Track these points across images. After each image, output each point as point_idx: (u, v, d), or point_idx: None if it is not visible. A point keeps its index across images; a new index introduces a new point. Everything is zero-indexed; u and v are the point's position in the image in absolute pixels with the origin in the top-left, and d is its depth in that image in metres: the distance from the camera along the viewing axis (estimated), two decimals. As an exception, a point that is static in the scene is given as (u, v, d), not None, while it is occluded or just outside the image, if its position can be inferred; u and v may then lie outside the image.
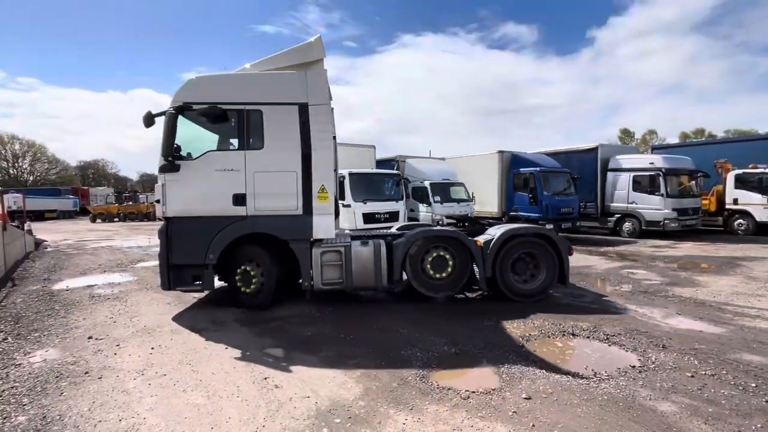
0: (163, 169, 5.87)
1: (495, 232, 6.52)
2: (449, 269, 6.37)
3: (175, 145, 5.89)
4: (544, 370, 3.97)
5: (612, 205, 15.48)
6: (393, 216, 13.25)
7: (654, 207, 14.27)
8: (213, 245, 5.89)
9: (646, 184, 14.57)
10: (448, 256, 6.37)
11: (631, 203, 14.87)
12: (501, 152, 15.45)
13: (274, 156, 6.00)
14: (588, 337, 4.87)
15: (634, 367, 4.03)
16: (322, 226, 6.11)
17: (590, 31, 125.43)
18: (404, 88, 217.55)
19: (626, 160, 15.38)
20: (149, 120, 5.91)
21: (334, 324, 5.49)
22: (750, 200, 14.57)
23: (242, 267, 6.13)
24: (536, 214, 14.15)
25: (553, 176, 14.68)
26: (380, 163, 15.44)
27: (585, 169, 15.86)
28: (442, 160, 17.26)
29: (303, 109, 6.00)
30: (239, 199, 5.94)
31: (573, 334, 4.97)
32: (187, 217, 5.91)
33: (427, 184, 14.70)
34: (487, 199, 15.58)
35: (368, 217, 12.67)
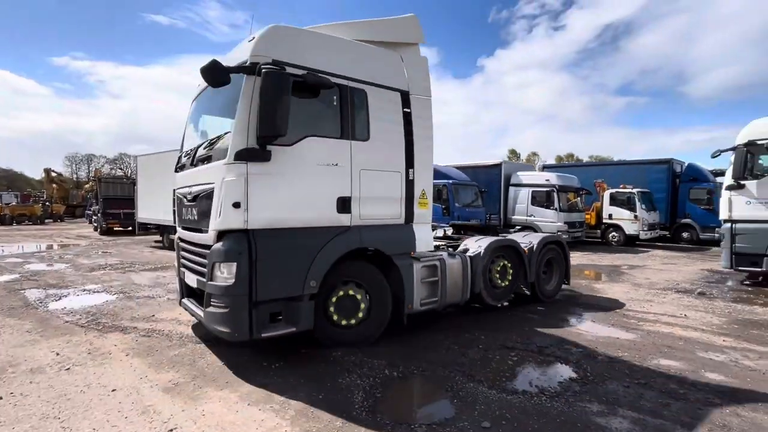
0: (246, 156, 3.91)
1: (530, 239, 7.03)
2: (510, 277, 6.56)
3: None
4: (494, 390, 3.75)
5: (513, 217, 16.65)
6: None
7: (549, 220, 15.65)
8: (314, 267, 4.26)
9: (542, 198, 15.94)
10: (509, 265, 6.54)
11: (530, 216, 16.14)
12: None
13: (379, 151, 4.84)
14: (523, 350, 4.83)
15: (574, 380, 4.02)
16: (424, 238, 5.33)
17: (481, 59, 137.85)
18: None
19: (526, 177, 16.72)
20: (222, 74, 3.93)
21: (253, 348, 4.71)
22: (621, 216, 16.82)
23: (340, 291, 4.62)
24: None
25: (463, 189, 15.33)
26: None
27: (490, 183, 16.88)
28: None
29: (405, 98, 5.11)
30: (345, 205, 4.57)
31: (508, 347, 4.90)
32: (279, 229, 4.21)
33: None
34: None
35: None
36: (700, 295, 7.91)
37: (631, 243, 16.78)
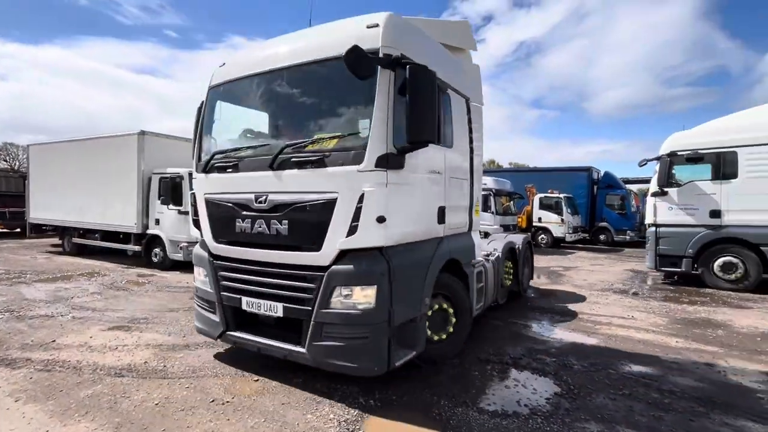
0: (386, 163, 3.36)
1: (513, 239, 7.44)
2: (512, 276, 7.06)
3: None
4: (485, 416, 3.37)
5: (452, 220, 16.84)
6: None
7: (486, 223, 15.97)
8: (427, 283, 3.92)
9: (481, 202, 16.28)
10: (511, 264, 7.02)
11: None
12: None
13: (458, 158, 4.70)
14: (499, 363, 4.55)
15: (560, 395, 3.80)
16: (479, 245, 5.41)
17: None
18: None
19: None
20: (368, 65, 3.27)
21: (191, 380, 3.88)
22: (549, 219, 17.81)
23: (435, 305, 4.27)
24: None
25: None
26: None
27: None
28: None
29: (467, 104, 4.99)
30: (442, 215, 4.30)
31: (483, 360, 4.59)
32: (405, 244, 3.73)
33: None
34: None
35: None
36: (635, 295, 8.38)
37: (557, 245, 17.84)
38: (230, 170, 4.07)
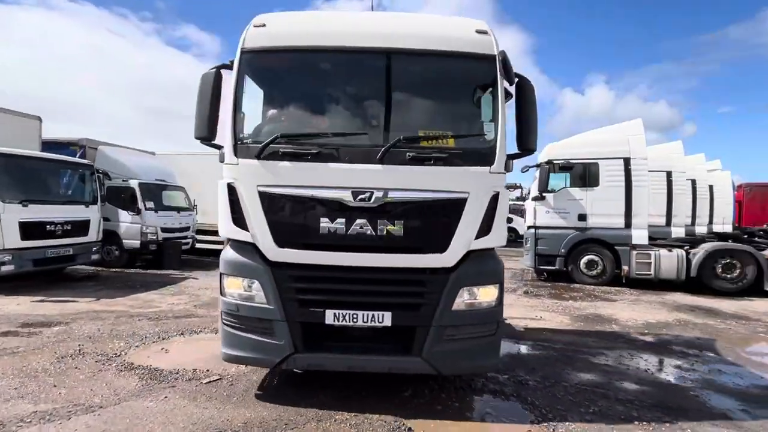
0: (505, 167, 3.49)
1: None
2: None
3: None
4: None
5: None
6: (79, 227, 8.80)
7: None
8: None
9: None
10: None
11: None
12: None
13: None
14: (455, 387, 3.96)
15: (536, 421, 3.37)
16: None
17: None
18: (57, 64, 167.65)
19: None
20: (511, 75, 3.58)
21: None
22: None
23: None
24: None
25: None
26: (50, 146, 10.04)
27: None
28: (152, 155, 13.22)
29: None
30: None
31: (438, 385, 3.95)
32: None
33: (134, 183, 10.70)
34: (213, 209, 12.91)
35: (31, 230, 7.81)
36: (527, 294, 8.87)
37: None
38: (309, 158, 3.34)
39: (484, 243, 3.42)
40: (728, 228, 14.24)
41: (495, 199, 3.39)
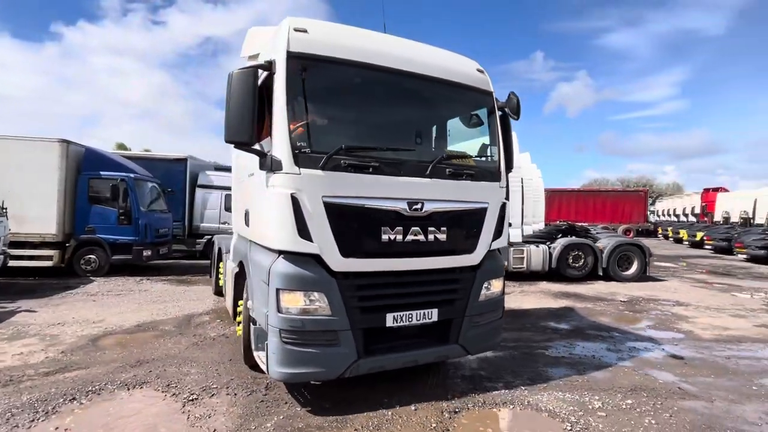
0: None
1: None
2: None
3: None
4: None
5: (203, 225, 13.94)
6: None
7: (247, 228, 14.14)
8: None
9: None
10: None
11: (224, 223, 13.97)
12: (66, 142, 10.06)
13: None
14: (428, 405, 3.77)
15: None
16: None
17: (56, 26, 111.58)
18: None
19: (219, 177, 14.36)
20: (518, 109, 4.54)
21: None
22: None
23: None
24: (130, 237, 10.30)
25: (147, 187, 11.31)
26: None
27: (172, 181, 13.34)
28: None
29: None
30: None
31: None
32: None
33: None
34: (35, 214, 9.62)
35: None
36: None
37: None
38: (370, 171, 3.61)
39: (497, 244, 4.27)
40: (542, 225, 17.65)
41: (504, 208, 4.27)
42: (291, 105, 3.42)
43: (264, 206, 3.68)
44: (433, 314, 3.85)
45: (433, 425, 3.43)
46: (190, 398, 3.84)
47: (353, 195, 3.53)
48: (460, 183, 3.95)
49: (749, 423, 3.60)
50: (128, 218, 10.28)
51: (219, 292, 8.09)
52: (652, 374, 4.63)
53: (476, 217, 4.06)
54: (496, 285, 4.28)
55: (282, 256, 3.47)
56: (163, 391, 3.98)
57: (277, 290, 3.38)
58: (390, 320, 3.66)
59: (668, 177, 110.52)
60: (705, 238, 21.84)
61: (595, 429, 3.42)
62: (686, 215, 34.15)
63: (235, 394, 3.93)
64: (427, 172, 3.79)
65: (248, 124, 3.36)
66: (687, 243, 24.29)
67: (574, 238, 11.76)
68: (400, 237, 3.63)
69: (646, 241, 14.04)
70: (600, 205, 32.61)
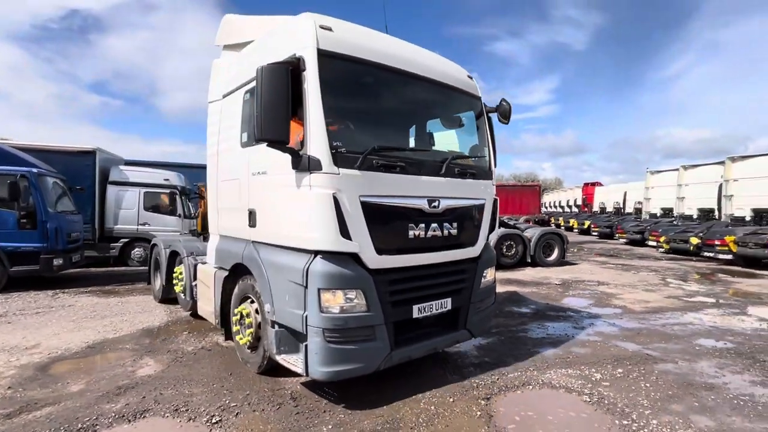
0: None
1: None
2: None
3: None
4: None
5: (117, 227, 12.22)
6: None
7: (171, 229, 12.73)
8: None
9: (163, 203, 12.75)
10: None
11: (144, 224, 12.45)
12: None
13: None
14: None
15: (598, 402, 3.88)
16: None
17: None
18: None
19: (135, 174, 12.69)
20: (509, 115, 4.95)
21: None
22: (228, 221, 16.40)
23: None
24: (35, 244, 8.65)
25: (54, 184, 9.58)
26: None
27: (77, 178, 11.45)
28: None
29: None
30: None
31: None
32: None
33: None
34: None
35: None
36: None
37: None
38: (397, 170, 3.76)
39: (492, 237, 4.85)
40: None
41: (496, 203, 4.70)
42: (326, 103, 3.39)
43: (293, 206, 3.62)
44: (448, 303, 4.16)
45: (477, 414, 3.59)
46: (213, 421, 3.46)
47: (386, 194, 3.67)
48: (466, 181, 4.31)
49: (711, 376, 4.41)
50: (32, 221, 8.60)
51: (167, 299, 7.31)
52: (621, 345, 5.37)
53: (477, 212, 4.45)
54: (490, 273, 4.72)
55: (320, 256, 3.46)
56: (175, 417, 3.53)
57: (319, 290, 3.39)
58: (415, 312, 3.90)
59: (546, 173, 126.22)
60: (592, 225, 25.36)
61: (607, 397, 3.89)
62: (570, 206, 39.24)
63: (263, 410, 3.64)
64: (442, 171, 4.07)
65: (283, 122, 3.29)
66: (576, 230, 27.93)
67: (507, 229, 12.84)
68: (422, 233, 3.88)
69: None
70: (503, 199, 35.66)
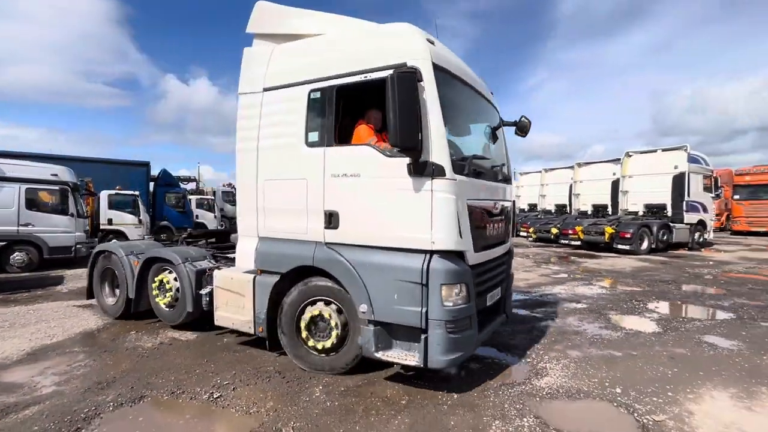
0: None
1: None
2: None
3: None
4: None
5: (-8, 228, 10.63)
6: None
7: (62, 230, 11.50)
8: None
9: (50, 200, 11.40)
10: None
11: (26, 225, 11.03)
12: None
13: None
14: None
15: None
16: None
17: None
18: None
19: (12, 168, 11.10)
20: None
21: None
22: (124, 220, 15.17)
23: None
24: None
25: None
26: None
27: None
28: None
29: None
30: None
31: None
32: None
33: None
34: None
35: None
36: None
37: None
38: (482, 176, 4.35)
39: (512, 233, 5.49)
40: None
41: (515, 204, 5.59)
42: (442, 113, 3.70)
43: (407, 209, 3.74)
44: (499, 292, 4.76)
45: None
46: (214, 396, 3.94)
47: (480, 197, 4.25)
48: (506, 185, 5.06)
49: (576, 326, 6.20)
50: None
51: (137, 313, 6.18)
52: (516, 312, 7.02)
53: (512, 211, 5.25)
54: (512, 264, 5.42)
55: (437, 255, 3.70)
56: (175, 398, 3.92)
57: (441, 285, 3.64)
58: (489, 300, 4.44)
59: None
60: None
61: (498, 345, 5.32)
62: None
63: (256, 383, 4.20)
64: (499, 177, 4.86)
65: (416, 130, 3.49)
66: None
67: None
68: (493, 231, 4.54)
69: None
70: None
